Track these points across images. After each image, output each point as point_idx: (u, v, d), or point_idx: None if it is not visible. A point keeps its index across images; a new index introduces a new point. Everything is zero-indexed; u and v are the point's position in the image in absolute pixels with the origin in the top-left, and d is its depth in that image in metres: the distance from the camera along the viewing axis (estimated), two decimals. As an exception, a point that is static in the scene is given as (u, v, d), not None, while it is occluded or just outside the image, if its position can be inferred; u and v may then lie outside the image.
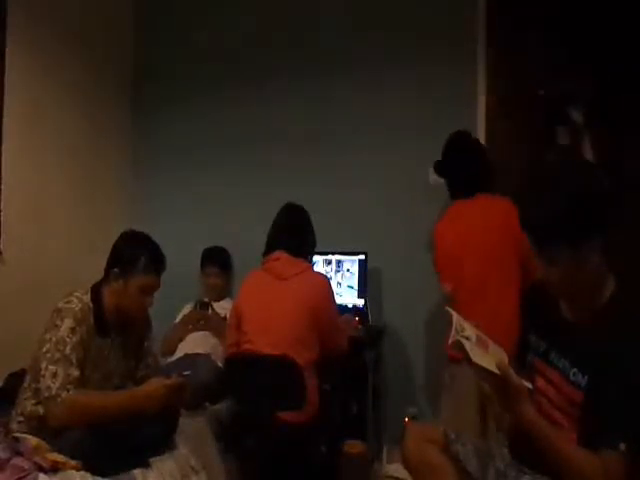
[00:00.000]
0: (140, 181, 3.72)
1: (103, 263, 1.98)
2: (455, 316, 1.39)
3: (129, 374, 2.02)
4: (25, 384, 1.86)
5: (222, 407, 2.40)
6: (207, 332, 2.88)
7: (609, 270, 1.34)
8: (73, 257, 3.20)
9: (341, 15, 3.25)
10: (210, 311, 3.01)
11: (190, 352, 2.73)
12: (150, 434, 1.80)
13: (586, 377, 1.29)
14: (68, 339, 1.77)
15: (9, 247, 2.80)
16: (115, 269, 1.91)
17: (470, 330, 1.37)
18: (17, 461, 1.55)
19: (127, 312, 1.93)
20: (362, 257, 3.00)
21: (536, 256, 1.35)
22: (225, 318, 2.84)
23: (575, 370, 1.33)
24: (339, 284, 3.02)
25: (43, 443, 1.64)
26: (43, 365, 1.73)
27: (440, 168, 2.53)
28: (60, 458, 1.58)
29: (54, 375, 1.71)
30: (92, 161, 3.44)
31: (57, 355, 1.74)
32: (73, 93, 3.27)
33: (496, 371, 1.29)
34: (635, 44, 2.66)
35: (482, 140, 2.93)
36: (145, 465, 1.72)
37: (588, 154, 2.53)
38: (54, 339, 1.76)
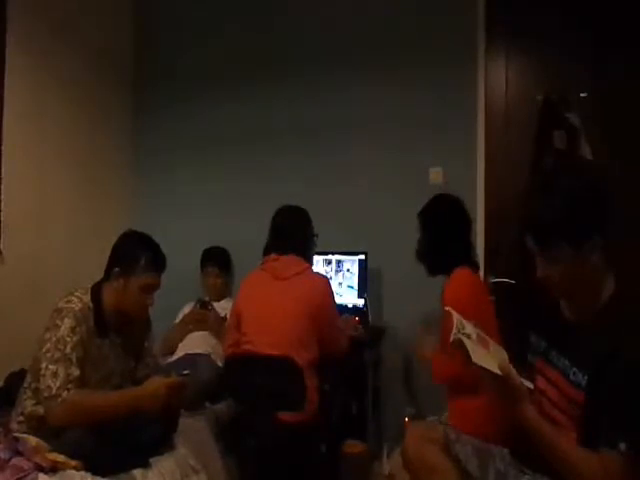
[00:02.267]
0: (140, 181, 3.72)
1: (103, 263, 1.97)
2: (455, 315, 1.39)
3: (129, 374, 2.02)
4: (25, 384, 1.86)
5: (222, 407, 2.41)
6: (207, 332, 2.88)
7: (609, 270, 1.34)
8: (73, 257, 3.20)
9: (341, 15, 3.25)
10: (210, 309, 3.00)
11: (190, 352, 2.73)
12: (150, 434, 1.79)
13: (586, 377, 1.30)
14: (68, 339, 1.76)
15: (9, 247, 2.80)
16: (116, 269, 1.91)
17: (470, 329, 1.37)
18: (17, 461, 1.55)
19: (128, 312, 1.93)
20: (362, 257, 3.00)
21: (537, 256, 1.36)
22: (225, 318, 2.84)
23: (575, 370, 1.34)
24: (339, 284, 3.02)
25: (43, 443, 1.64)
26: (43, 365, 1.73)
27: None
28: (60, 458, 1.58)
29: (54, 374, 1.71)
30: (92, 161, 3.44)
31: (57, 355, 1.74)
32: (73, 93, 3.27)
33: (496, 371, 1.29)
34: (634, 46, 2.66)
35: (481, 142, 2.94)
36: (145, 465, 1.72)
37: (588, 155, 2.53)
38: (54, 339, 1.76)
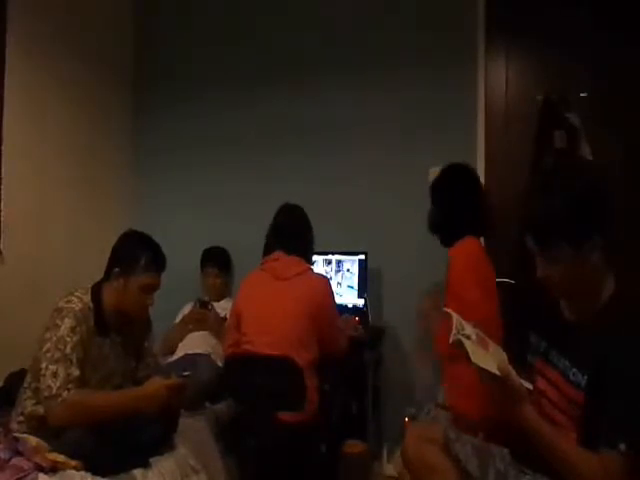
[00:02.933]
0: (140, 181, 3.71)
1: (103, 263, 1.97)
2: (455, 316, 1.39)
3: (129, 374, 2.02)
4: (25, 384, 1.86)
5: (222, 407, 2.41)
6: (207, 332, 2.88)
7: (609, 270, 1.34)
8: (73, 257, 3.20)
9: (341, 15, 3.25)
10: (210, 309, 3.00)
11: (190, 352, 2.73)
12: (150, 434, 1.80)
13: (586, 377, 1.30)
14: (68, 338, 1.77)
15: (9, 247, 2.80)
16: (116, 269, 1.91)
17: (470, 330, 1.37)
18: (17, 461, 1.55)
19: (128, 312, 1.93)
20: (362, 257, 3.00)
21: (537, 256, 1.36)
22: (225, 318, 2.83)
23: (575, 370, 1.34)
24: (339, 284, 3.02)
25: (43, 443, 1.64)
26: (43, 364, 1.73)
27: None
28: (60, 458, 1.58)
29: (54, 374, 1.71)
30: (92, 161, 3.43)
31: (57, 354, 1.74)
32: (73, 93, 3.26)
33: (496, 371, 1.29)
34: (634, 46, 2.66)
35: (481, 141, 2.94)
36: (145, 465, 1.72)
37: (588, 156, 2.53)
38: (54, 338, 1.76)
